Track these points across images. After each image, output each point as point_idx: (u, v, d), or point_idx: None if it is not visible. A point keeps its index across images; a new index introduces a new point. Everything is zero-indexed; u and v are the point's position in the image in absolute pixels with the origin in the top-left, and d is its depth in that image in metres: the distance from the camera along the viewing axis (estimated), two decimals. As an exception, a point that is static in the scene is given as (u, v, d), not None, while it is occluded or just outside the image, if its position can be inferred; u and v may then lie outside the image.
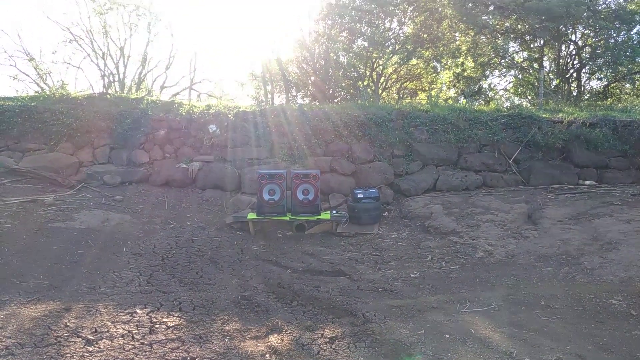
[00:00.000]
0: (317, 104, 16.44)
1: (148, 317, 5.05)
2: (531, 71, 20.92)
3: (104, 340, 4.43)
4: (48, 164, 10.70)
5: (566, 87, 20.02)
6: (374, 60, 19.36)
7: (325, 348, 4.43)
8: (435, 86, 22.99)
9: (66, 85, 14.00)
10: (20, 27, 26.28)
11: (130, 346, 4.35)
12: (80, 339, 4.42)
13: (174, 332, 4.70)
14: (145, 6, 20.12)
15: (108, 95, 12.94)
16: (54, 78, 19.72)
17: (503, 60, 21.10)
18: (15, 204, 8.68)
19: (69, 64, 20.12)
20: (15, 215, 8.23)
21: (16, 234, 7.47)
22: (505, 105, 16.16)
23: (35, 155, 10.97)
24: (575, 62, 20.07)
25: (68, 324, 4.74)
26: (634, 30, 17.91)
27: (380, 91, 20.57)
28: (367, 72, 20.23)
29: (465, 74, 21.26)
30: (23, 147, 11.12)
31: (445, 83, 23.02)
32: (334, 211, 9.71)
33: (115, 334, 4.58)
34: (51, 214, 8.49)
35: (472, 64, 20.95)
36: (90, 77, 34.20)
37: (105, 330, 4.65)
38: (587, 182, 10.84)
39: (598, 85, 20.87)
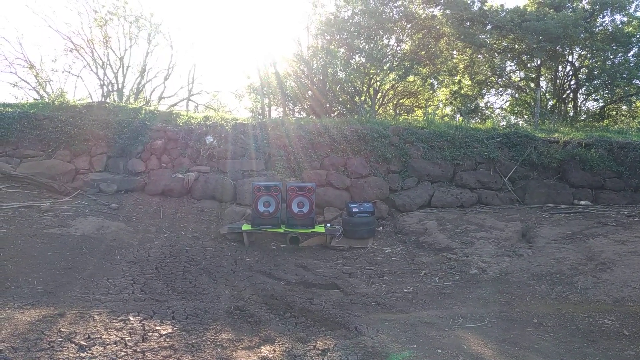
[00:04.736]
0: (314, 118, 16.51)
1: (141, 324, 5.04)
2: (528, 91, 21.10)
3: (96, 347, 4.42)
4: (45, 170, 10.71)
5: (562, 108, 20.19)
6: (371, 76, 19.47)
7: (317, 360, 4.43)
8: (432, 103, 23.12)
9: (65, 93, 13.99)
10: (22, 35, 26.33)
11: (123, 353, 4.34)
12: (73, 345, 4.41)
13: (167, 340, 4.69)
14: (145, 17, 20.29)
15: (107, 105, 12.98)
16: (53, 86, 19.75)
17: (500, 79, 21.29)
18: (12, 209, 8.67)
19: (69, 72, 20.19)
20: (11, 220, 8.22)
21: (11, 239, 7.46)
22: (501, 124, 16.30)
23: (33, 162, 10.98)
24: (572, 82, 20.26)
25: (61, 329, 4.73)
26: (631, 53, 18.16)
27: (377, 107, 20.64)
28: (364, 87, 20.34)
29: (462, 91, 21.41)
30: (21, 153, 11.14)
31: (442, 100, 23.14)
32: (329, 224, 9.74)
33: (108, 340, 4.57)
34: (47, 220, 8.48)
35: (469, 82, 21.11)
36: (90, 86, 34.42)
37: (99, 336, 4.64)
38: (582, 202, 10.90)
39: (594, 106, 21.09)
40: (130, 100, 19.39)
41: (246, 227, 9.28)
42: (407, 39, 19.91)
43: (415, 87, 22.24)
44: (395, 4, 18.93)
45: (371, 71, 19.02)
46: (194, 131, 11.67)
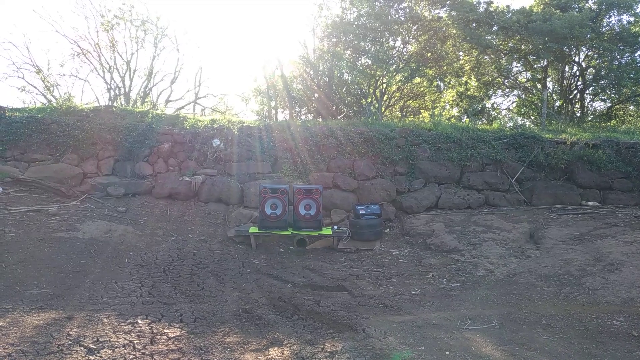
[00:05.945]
0: (321, 120, 16.53)
1: (149, 327, 5.06)
2: (534, 91, 21.03)
3: (105, 350, 4.44)
4: (53, 174, 10.79)
5: (569, 108, 20.10)
6: (377, 78, 19.46)
7: (325, 362, 4.43)
8: (438, 105, 23.09)
9: (73, 97, 14.13)
10: (29, 40, 26.53)
11: (132, 356, 4.36)
12: (82, 348, 4.43)
13: (175, 343, 4.71)
14: (152, 21, 20.38)
15: (114, 108, 13.05)
16: (61, 90, 19.90)
17: (506, 80, 21.23)
18: (20, 213, 8.72)
19: (76, 76, 20.31)
20: (20, 224, 8.27)
21: (20, 243, 7.51)
22: (508, 125, 16.22)
23: (41, 166, 11.06)
24: (579, 83, 20.18)
25: (70, 332, 4.75)
26: (638, 52, 18.04)
27: (383, 109, 20.65)
28: (370, 89, 20.34)
29: (469, 93, 21.37)
30: (29, 157, 11.22)
31: (448, 102, 23.10)
32: (336, 227, 9.75)
33: (116, 343, 4.59)
34: (55, 223, 8.52)
35: (476, 83, 21.07)
36: (97, 90, 34.70)
37: (107, 339, 4.66)
38: (590, 203, 10.84)
39: (601, 107, 20.99)
40: (137, 104, 19.50)
41: (253, 229, 9.30)
42: (413, 40, 19.91)
43: (422, 89, 22.22)
44: (401, 6, 18.94)
45: (377, 73, 19.02)
46: (200, 134, 11.71)
